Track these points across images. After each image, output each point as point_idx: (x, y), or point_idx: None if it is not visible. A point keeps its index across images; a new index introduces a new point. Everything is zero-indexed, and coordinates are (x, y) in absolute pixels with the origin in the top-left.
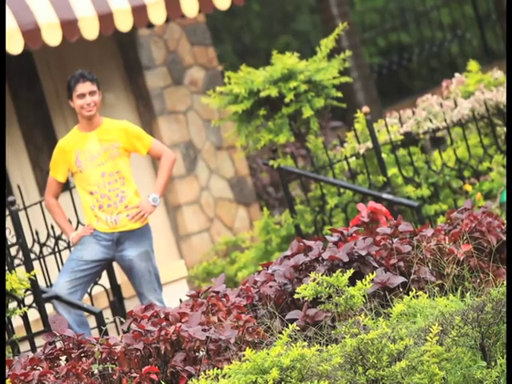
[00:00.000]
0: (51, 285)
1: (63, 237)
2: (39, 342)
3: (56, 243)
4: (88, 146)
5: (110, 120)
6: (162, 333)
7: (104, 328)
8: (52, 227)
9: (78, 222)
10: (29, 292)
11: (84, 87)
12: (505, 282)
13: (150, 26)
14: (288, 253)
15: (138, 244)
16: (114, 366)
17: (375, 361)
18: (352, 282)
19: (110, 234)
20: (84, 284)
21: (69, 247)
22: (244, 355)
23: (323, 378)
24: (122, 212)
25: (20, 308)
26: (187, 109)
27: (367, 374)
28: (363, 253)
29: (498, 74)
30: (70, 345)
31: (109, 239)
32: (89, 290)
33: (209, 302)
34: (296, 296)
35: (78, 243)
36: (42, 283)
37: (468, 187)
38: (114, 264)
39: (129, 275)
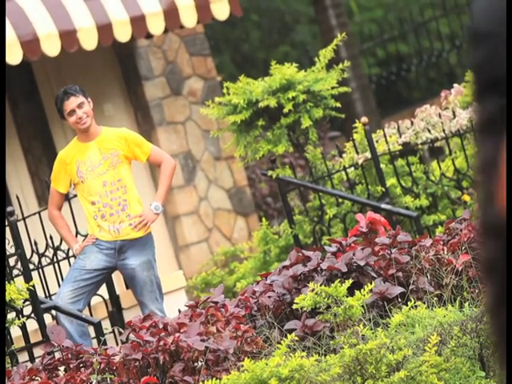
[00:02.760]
0: (50, 295)
1: (62, 247)
2: (38, 352)
3: (55, 253)
4: (89, 155)
5: (109, 128)
6: (161, 343)
7: (103, 338)
8: (51, 237)
9: (77, 233)
10: (27, 302)
11: (70, 103)
12: None
13: (149, 36)
14: (287, 263)
15: (141, 253)
16: (112, 376)
17: (374, 371)
18: (351, 292)
19: (112, 242)
20: (87, 293)
21: (68, 257)
22: (243, 365)
23: None
24: (125, 221)
25: (19, 318)
26: (186, 119)
27: None
28: (362, 263)
29: None
30: (69, 355)
31: (111, 248)
32: None
33: (207, 312)
34: (295, 306)
35: (81, 253)
36: (40, 293)
37: (466, 197)
38: (113, 274)
39: (130, 284)
